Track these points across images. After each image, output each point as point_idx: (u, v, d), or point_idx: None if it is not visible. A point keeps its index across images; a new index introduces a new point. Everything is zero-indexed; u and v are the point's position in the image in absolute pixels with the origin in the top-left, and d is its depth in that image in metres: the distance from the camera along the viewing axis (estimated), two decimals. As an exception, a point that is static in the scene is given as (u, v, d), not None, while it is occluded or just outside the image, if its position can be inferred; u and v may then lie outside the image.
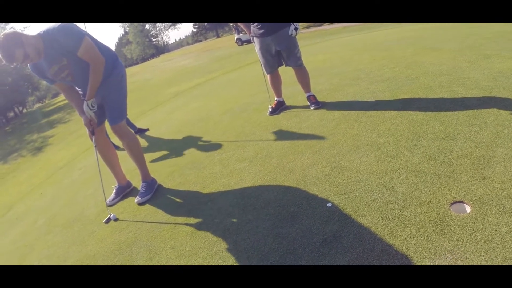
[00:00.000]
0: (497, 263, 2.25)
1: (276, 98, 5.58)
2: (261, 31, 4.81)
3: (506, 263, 2.25)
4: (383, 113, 4.50)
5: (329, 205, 3.10)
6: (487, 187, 2.83)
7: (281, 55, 5.04)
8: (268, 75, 5.33)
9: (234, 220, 3.24)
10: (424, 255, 2.41)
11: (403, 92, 5.04)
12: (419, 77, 5.54)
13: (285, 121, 5.16)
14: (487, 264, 2.25)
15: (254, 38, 5.04)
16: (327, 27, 28.15)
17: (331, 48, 11.38)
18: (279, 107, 5.56)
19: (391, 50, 8.21)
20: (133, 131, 4.58)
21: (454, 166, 3.14)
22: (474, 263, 2.28)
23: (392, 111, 4.49)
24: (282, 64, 5.22)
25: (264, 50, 5.02)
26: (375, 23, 18.06)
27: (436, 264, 2.31)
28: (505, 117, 3.70)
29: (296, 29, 4.71)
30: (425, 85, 5.13)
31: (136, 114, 10.28)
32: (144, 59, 76.50)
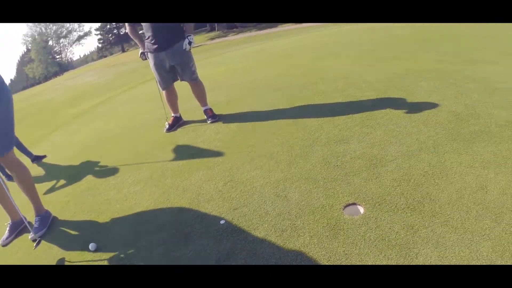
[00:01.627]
0: (392, 261, 2.46)
1: (172, 114, 5.68)
2: (155, 46, 4.92)
3: (401, 260, 2.47)
4: (278, 122, 4.72)
5: (222, 222, 3.17)
6: (379, 187, 3.08)
7: (176, 70, 5.12)
8: (163, 91, 5.37)
9: (128, 248, 3.21)
10: (318, 262, 2.53)
11: (300, 99, 5.33)
12: (316, 83, 5.91)
13: (181, 137, 5.24)
14: (382, 264, 2.43)
15: (148, 53, 5.10)
16: (232, 37, 28.99)
17: (233, 59, 11.74)
18: (176, 123, 5.66)
19: (291, 58, 8.67)
20: (23, 162, 4.34)
21: (347, 169, 3.37)
22: (370, 264, 2.45)
23: (287, 119, 4.72)
24: (177, 79, 5.33)
25: (158, 66, 5.12)
26: (279, 32, 18.88)
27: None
28: (398, 115, 4.07)
29: (190, 43, 4.86)
30: (322, 90, 5.47)
31: (36, 139, 9.74)
32: (47, 78, 72.43)
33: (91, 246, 3.53)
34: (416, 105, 4.57)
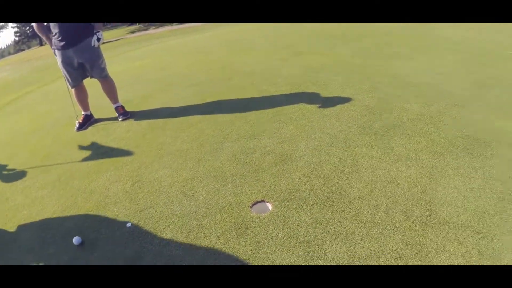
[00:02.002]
0: (300, 259, 2.48)
1: (83, 113, 5.51)
2: (62, 43, 4.76)
3: (309, 257, 2.48)
4: (190, 119, 4.66)
5: (128, 225, 3.09)
6: (288, 183, 3.10)
7: (84, 67, 4.97)
8: (72, 89, 5.19)
9: (35, 257, 3.04)
10: (225, 263, 2.50)
11: (213, 95, 5.30)
12: (231, 78, 5.90)
13: (91, 136, 5.08)
14: (290, 262, 2.43)
15: (56, 50, 4.95)
16: (153, 31, 28.41)
17: (151, 53, 11.53)
18: (87, 122, 5.49)
19: (209, 53, 8.62)
20: None
21: (256, 165, 3.37)
22: (277, 262, 2.46)
23: (199, 115, 4.67)
24: (86, 77, 5.18)
25: (66, 63, 4.96)
26: (201, 26, 18.77)
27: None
28: (310, 110, 4.13)
29: (99, 39, 4.80)
30: (237, 85, 5.47)
31: None
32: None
33: (75, 240, 3.28)
34: (330, 100, 4.67)
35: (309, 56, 6.33)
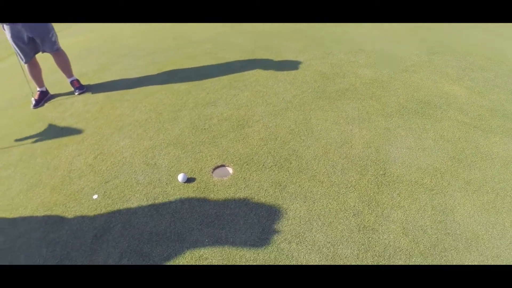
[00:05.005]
0: (263, 219, 2.61)
1: (38, 89, 5.34)
2: None
3: (272, 216, 2.62)
4: (146, 89, 4.65)
5: (95, 197, 3.12)
6: (247, 147, 3.20)
7: (35, 42, 4.82)
8: (25, 65, 5.03)
9: (7, 236, 3.02)
10: (191, 227, 2.61)
11: (168, 64, 5.28)
12: (184, 47, 5.88)
13: (49, 112, 4.97)
14: (253, 222, 2.55)
15: (4, 25, 4.76)
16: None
17: (104, 25, 11.22)
18: (43, 98, 5.34)
19: (159, 23, 8.47)
20: None
21: (215, 132, 3.45)
22: (241, 223, 2.58)
23: (155, 85, 4.67)
24: (39, 51, 5.00)
25: (16, 38, 4.78)
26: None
27: (205, 232, 2.52)
28: (265, 76, 4.22)
29: None
30: (190, 54, 5.47)
31: None
32: None
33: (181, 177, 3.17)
34: (283, 65, 4.76)
35: (261, 22, 6.37)
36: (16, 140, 4.58)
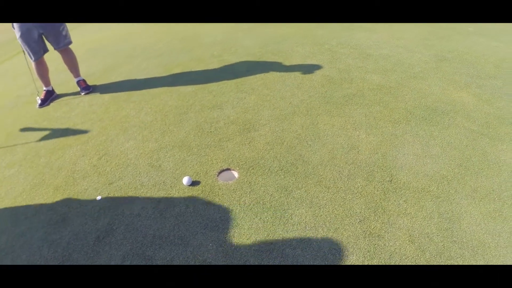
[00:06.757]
0: (268, 223, 2.58)
1: (44, 88, 5.35)
2: None
3: (277, 221, 2.59)
4: (153, 90, 4.65)
5: (98, 198, 3.10)
6: (253, 151, 3.18)
7: (46, 39, 4.84)
8: (33, 63, 5.03)
9: (8, 236, 3.01)
10: (195, 230, 2.58)
11: (176, 66, 5.28)
12: (193, 49, 5.88)
13: (54, 112, 4.97)
14: (258, 227, 2.53)
15: (14, 24, 4.77)
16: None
17: (111, 25, 11.24)
18: (49, 98, 5.34)
19: (170, 24, 8.49)
20: None
21: (221, 135, 3.44)
22: (246, 228, 2.56)
23: (162, 87, 4.67)
24: (47, 50, 5.01)
25: (26, 36, 4.79)
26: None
27: (209, 236, 2.49)
28: (272, 80, 4.20)
29: None
30: (198, 56, 5.47)
31: None
32: None
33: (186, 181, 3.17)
34: (291, 70, 4.75)
35: (269, 26, 6.37)
36: (21, 139, 4.57)
